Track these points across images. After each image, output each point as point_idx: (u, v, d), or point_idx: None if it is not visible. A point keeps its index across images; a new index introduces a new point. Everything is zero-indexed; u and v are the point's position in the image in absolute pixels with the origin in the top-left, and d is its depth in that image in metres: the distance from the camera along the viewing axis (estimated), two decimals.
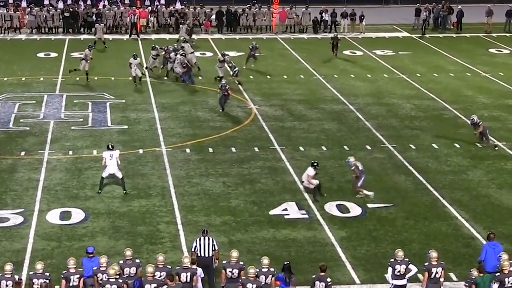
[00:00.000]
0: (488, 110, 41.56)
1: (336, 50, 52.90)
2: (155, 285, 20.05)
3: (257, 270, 20.66)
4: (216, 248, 22.49)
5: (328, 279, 20.88)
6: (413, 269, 21.62)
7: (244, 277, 20.48)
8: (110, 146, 30.18)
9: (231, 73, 45.08)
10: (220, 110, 39.78)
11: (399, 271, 21.39)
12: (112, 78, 46.29)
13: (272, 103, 41.91)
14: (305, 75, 47.69)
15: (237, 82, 44.51)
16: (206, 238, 22.53)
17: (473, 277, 20.69)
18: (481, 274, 20.76)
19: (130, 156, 33.56)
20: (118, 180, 29.77)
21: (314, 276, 20.86)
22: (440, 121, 39.68)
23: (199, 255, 22.23)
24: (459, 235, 26.77)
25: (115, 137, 36.01)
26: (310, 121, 38.99)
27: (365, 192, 29.32)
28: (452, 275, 23.62)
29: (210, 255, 22.31)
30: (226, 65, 45.55)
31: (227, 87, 39.85)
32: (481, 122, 34.98)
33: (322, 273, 20.84)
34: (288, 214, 28.07)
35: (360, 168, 29.55)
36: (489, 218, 28.13)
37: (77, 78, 45.53)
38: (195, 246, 22.43)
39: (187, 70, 44.99)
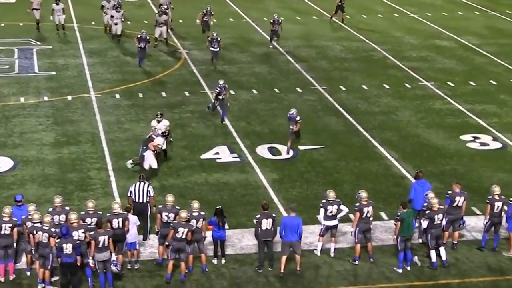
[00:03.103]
0: (416, 51, 41.97)
1: (340, 13, 47.39)
2: (82, 230, 19.85)
3: (188, 214, 20.62)
4: (151, 194, 22.30)
5: (274, 214, 21.10)
6: (345, 209, 21.80)
7: (176, 221, 20.44)
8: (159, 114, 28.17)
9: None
10: (207, 109, 32.28)
11: (331, 212, 21.57)
12: (39, 24, 45.24)
13: (202, 47, 41.53)
14: (235, 19, 47.38)
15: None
16: (142, 183, 22.36)
17: (399, 213, 20.99)
18: (405, 210, 21.06)
19: (58, 103, 33.02)
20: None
21: (258, 216, 20.90)
22: (369, 62, 39.93)
23: (134, 200, 22.12)
24: (389, 174, 27.11)
25: (42, 83, 35.37)
26: (241, 65, 38.84)
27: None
28: (383, 214, 23.95)
29: (145, 201, 22.16)
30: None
31: (223, 89, 31.50)
32: (300, 120, 28.37)
33: (266, 211, 20.94)
34: (220, 158, 28.04)
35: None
36: (418, 157, 28.54)
37: (2, 24, 44.42)
38: (131, 191, 22.28)
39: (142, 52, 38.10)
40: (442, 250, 21.38)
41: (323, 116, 32.29)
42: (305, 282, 20.59)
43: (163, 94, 34.39)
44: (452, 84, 36.52)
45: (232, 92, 34.50)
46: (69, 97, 33.79)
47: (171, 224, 20.48)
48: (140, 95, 34.21)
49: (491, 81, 37.21)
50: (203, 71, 37.55)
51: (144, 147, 26.20)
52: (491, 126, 31.54)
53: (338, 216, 21.73)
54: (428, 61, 40.23)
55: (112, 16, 42.23)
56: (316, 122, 31.62)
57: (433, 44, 43.36)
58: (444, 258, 21.33)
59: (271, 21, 42.02)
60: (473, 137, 30.41)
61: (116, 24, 42.15)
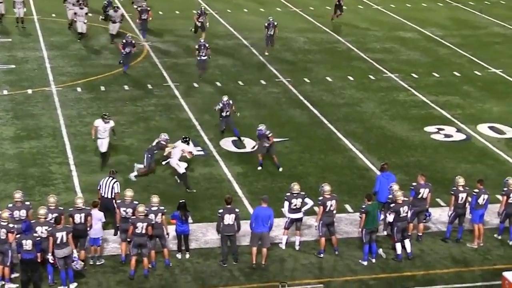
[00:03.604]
0: (380, 42, 41.97)
1: (340, 12, 45.56)
2: (46, 227, 19.52)
3: (147, 208, 20.35)
4: (116, 191, 21.95)
5: (237, 210, 20.90)
6: (309, 202, 21.69)
7: (135, 217, 20.15)
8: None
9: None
10: (221, 131, 29.52)
11: (295, 205, 21.44)
12: (1, 18, 44.68)
13: (165, 40, 41.22)
14: (198, 10, 46.93)
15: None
16: (109, 179, 22.12)
17: (364, 206, 20.92)
18: (370, 202, 20.99)
19: (18, 97, 32.53)
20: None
21: (221, 210, 20.72)
22: (333, 54, 39.85)
23: (102, 195, 21.93)
24: (354, 166, 27.03)
25: (1, 77, 34.83)
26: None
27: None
28: (347, 206, 23.86)
29: (110, 196, 21.87)
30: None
31: (227, 106, 29.03)
32: (271, 134, 26.60)
33: (229, 206, 20.74)
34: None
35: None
36: (382, 149, 28.49)
37: None
38: (100, 185, 22.11)
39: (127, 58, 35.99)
40: (407, 242, 21.35)
41: (287, 109, 32.14)
42: (270, 275, 20.44)
43: (126, 87, 34.03)
44: (416, 76, 36.55)
45: (195, 84, 34.25)
46: (29, 91, 33.31)
47: (130, 220, 20.22)
48: (102, 88, 33.83)
49: (455, 73, 37.29)
50: (166, 64, 37.23)
51: (150, 155, 25.73)
52: (454, 117, 31.60)
53: (303, 209, 21.61)
54: (392, 52, 40.25)
55: (75, 13, 41.20)
56: (280, 114, 31.45)
57: (397, 36, 43.39)
58: (409, 250, 21.30)
59: (266, 24, 39.05)
60: (437, 128, 30.45)
61: (84, 22, 40.34)
